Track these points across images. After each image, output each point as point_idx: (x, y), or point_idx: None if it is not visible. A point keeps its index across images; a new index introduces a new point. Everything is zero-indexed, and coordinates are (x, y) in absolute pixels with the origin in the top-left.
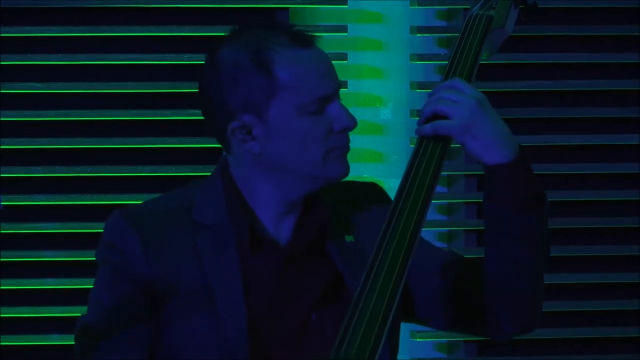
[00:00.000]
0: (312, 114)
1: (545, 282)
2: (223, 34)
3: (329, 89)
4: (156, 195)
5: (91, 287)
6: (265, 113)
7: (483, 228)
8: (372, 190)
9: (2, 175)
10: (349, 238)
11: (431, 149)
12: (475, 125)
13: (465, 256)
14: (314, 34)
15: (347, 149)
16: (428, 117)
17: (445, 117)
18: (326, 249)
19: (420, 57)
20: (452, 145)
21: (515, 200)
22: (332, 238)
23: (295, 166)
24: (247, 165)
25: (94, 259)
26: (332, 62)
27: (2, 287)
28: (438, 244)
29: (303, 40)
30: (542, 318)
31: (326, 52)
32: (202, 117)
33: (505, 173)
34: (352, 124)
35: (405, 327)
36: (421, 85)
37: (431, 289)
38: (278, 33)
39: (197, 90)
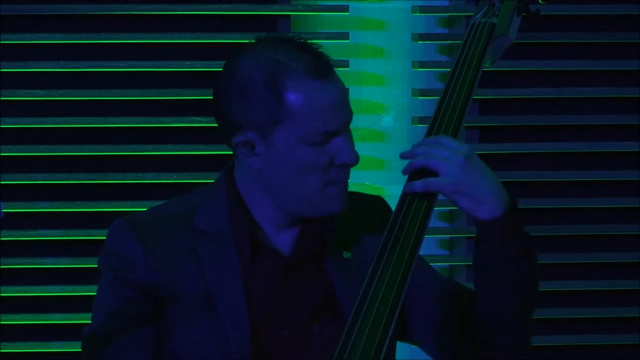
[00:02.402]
0: (315, 145)
1: (546, 289)
2: (224, 41)
3: (335, 124)
4: (157, 201)
5: (93, 294)
6: (269, 135)
7: (473, 270)
8: (377, 205)
9: (3, 182)
10: (347, 254)
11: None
12: (466, 182)
13: (464, 286)
14: (332, 62)
15: (346, 185)
16: (416, 169)
17: (435, 173)
18: (324, 264)
19: (422, 64)
20: None
21: (505, 252)
22: (330, 253)
23: (292, 191)
24: (249, 176)
25: (96, 266)
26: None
27: (3, 294)
28: (440, 252)
29: (320, 70)
30: (530, 349)
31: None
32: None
33: (496, 227)
34: (353, 160)
35: None
36: (423, 93)
37: (427, 315)
38: (298, 57)
39: (210, 97)
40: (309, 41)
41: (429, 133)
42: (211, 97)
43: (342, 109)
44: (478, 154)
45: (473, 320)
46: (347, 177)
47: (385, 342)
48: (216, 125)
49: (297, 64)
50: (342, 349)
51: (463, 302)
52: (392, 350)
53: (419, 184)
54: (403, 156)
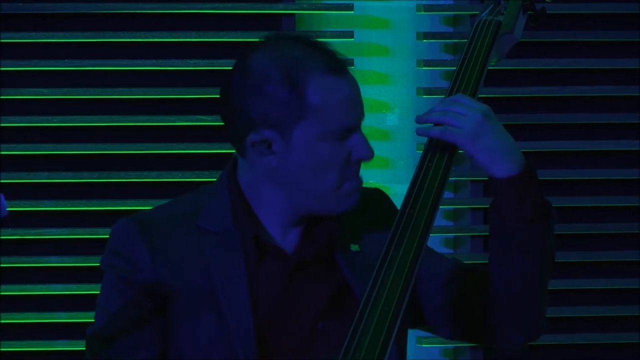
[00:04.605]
0: (335, 141)
1: None
2: (228, 40)
3: (355, 119)
4: (162, 200)
5: (97, 292)
6: (289, 133)
7: (489, 235)
8: (377, 197)
9: (7, 181)
10: (354, 247)
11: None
12: (483, 136)
13: (472, 263)
14: (347, 58)
15: (361, 182)
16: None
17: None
18: (335, 261)
19: (427, 62)
20: (460, 151)
21: (522, 213)
22: (339, 247)
23: (309, 188)
24: (260, 174)
25: (99, 265)
26: None
27: (7, 293)
28: (444, 250)
29: (337, 67)
30: (546, 324)
31: None
32: (222, 121)
33: (513, 186)
34: (370, 155)
35: (411, 333)
36: (427, 91)
37: (439, 299)
38: (314, 54)
39: (215, 95)
40: (320, 40)
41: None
42: (216, 96)
43: (358, 105)
44: None
45: (487, 296)
46: (359, 172)
47: (389, 342)
48: (222, 124)
49: (315, 60)
50: (347, 349)
51: (473, 280)
52: (403, 339)
53: (436, 130)
54: (419, 119)
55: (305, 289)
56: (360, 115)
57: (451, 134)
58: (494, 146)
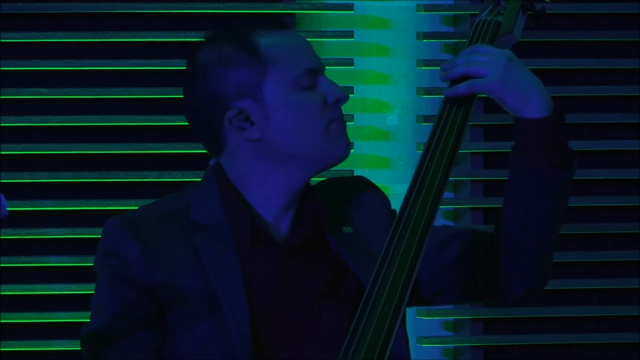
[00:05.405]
0: (305, 88)
1: (546, 288)
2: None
3: (316, 62)
4: None
5: None
6: (260, 93)
7: (507, 179)
8: (361, 182)
9: (7, 181)
10: (347, 229)
11: (452, 117)
12: (511, 78)
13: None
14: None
15: (345, 123)
16: (457, 79)
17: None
18: (326, 240)
19: (427, 62)
20: (460, 151)
21: (547, 155)
22: (331, 231)
23: (297, 147)
24: (246, 158)
25: (93, 266)
26: (339, 67)
27: (7, 293)
28: None
29: (280, 23)
30: (549, 278)
31: (332, 57)
32: (189, 124)
33: (543, 127)
34: (344, 95)
35: (411, 333)
36: (427, 91)
37: (433, 267)
38: (254, 24)
39: (182, 97)
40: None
41: (434, 130)
42: None
43: (313, 51)
44: (482, 152)
45: (481, 254)
46: (342, 114)
47: (389, 343)
48: (193, 126)
49: (260, 25)
50: (346, 350)
51: (465, 240)
52: (403, 321)
53: (463, 86)
54: (444, 67)
55: (299, 277)
56: (320, 60)
57: (480, 84)
58: (525, 86)
